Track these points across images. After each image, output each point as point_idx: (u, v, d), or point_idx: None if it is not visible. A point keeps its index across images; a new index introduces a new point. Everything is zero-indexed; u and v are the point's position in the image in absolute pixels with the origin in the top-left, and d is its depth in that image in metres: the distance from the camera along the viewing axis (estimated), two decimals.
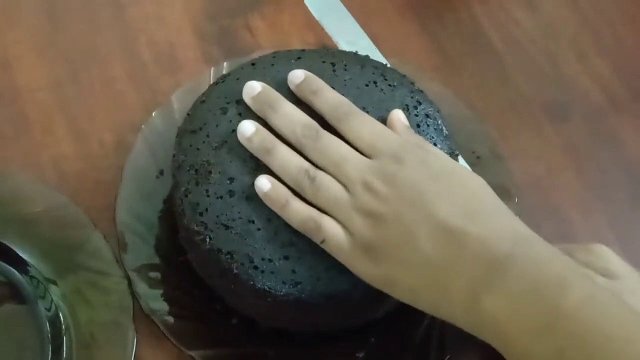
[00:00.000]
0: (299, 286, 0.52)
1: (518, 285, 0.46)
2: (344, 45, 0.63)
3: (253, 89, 0.56)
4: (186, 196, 0.54)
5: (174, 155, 0.57)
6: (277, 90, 0.56)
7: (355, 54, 0.61)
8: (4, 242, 0.60)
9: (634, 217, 0.67)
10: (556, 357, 0.44)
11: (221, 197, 0.53)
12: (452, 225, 0.48)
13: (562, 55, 0.74)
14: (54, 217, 0.61)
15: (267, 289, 0.52)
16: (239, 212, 0.53)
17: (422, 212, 0.49)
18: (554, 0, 0.77)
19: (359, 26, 0.64)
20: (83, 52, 0.70)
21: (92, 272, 0.59)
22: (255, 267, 0.52)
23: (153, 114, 0.65)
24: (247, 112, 0.56)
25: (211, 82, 0.60)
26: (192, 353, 0.57)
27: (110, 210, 0.61)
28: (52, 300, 0.58)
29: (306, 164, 0.53)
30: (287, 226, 0.52)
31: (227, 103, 0.57)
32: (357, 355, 0.58)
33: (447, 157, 0.53)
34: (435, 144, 0.56)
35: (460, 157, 0.60)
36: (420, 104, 0.58)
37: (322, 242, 0.51)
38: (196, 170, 0.55)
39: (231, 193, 0.54)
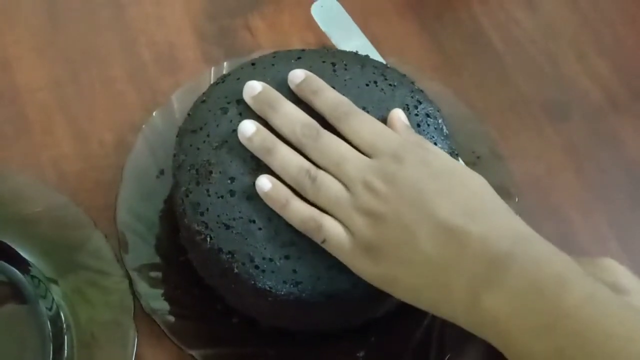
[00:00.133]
0: (299, 285, 0.52)
1: (518, 284, 0.46)
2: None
3: (253, 88, 0.56)
4: (187, 196, 0.54)
5: (174, 155, 0.57)
6: (277, 90, 0.56)
7: (356, 53, 0.61)
8: (5, 241, 0.60)
9: (634, 217, 0.67)
10: (556, 356, 0.44)
11: (222, 197, 0.53)
12: (453, 224, 0.48)
13: (562, 55, 0.74)
14: (54, 217, 0.61)
15: (268, 289, 0.52)
16: (239, 212, 0.53)
17: (422, 211, 0.49)
18: (554, 0, 0.77)
19: (368, 40, 0.64)
20: (83, 52, 0.70)
21: (93, 272, 0.59)
22: (256, 267, 0.52)
23: (153, 114, 0.65)
24: (248, 112, 0.56)
25: (211, 82, 0.60)
26: (193, 352, 0.57)
27: (111, 210, 0.61)
28: (53, 300, 0.58)
29: (307, 164, 0.53)
30: (288, 226, 0.52)
31: (228, 103, 0.57)
32: (358, 354, 0.58)
33: (448, 156, 0.53)
34: (435, 144, 0.56)
35: (459, 158, 0.60)
36: (420, 103, 0.58)
37: (323, 241, 0.51)
38: (197, 170, 0.55)
39: (232, 193, 0.54)
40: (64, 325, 0.57)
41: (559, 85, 0.73)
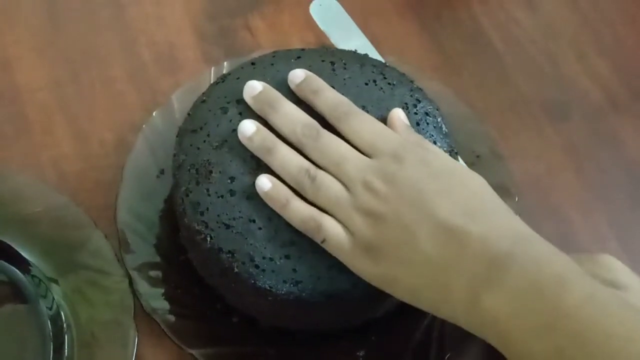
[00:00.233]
0: (299, 285, 0.52)
1: (518, 284, 0.46)
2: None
3: (254, 88, 0.56)
4: (187, 195, 0.54)
5: (174, 155, 0.57)
6: (277, 89, 0.56)
7: (355, 52, 0.61)
8: (5, 241, 0.60)
9: (634, 217, 0.67)
10: (556, 356, 0.44)
11: (222, 197, 0.53)
12: (453, 224, 0.48)
13: (562, 55, 0.74)
14: (54, 217, 0.61)
15: (268, 288, 0.52)
16: (239, 212, 0.53)
17: (422, 211, 0.49)
18: (554, 0, 0.77)
19: (367, 40, 0.64)
20: (83, 52, 0.70)
21: (93, 271, 0.59)
22: (256, 266, 0.52)
23: (153, 114, 0.65)
24: (248, 112, 0.56)
25: (211, 82, 0.60)
26: (193, 351, 0.57)
27: (111, 210, 0.61)
28: (53, 299, 0.58)
29: (307, 164, 0.53)
30: (288, 225, 0.52)
31: (228, 103, 0.57)
32: (358, 354, 0.58)
33: (447, 156, 0.53)
34: (434, 142, 0.56)
35: (458, 156, 0.60)
36: (419, 102, 0.58)
37: (323, 241, 0.51)
38: (197, 169, 0.55)
39: (232, 192, 0.54)
40: (64, 325, 0.57)
41: (559, 85, 0.73)
